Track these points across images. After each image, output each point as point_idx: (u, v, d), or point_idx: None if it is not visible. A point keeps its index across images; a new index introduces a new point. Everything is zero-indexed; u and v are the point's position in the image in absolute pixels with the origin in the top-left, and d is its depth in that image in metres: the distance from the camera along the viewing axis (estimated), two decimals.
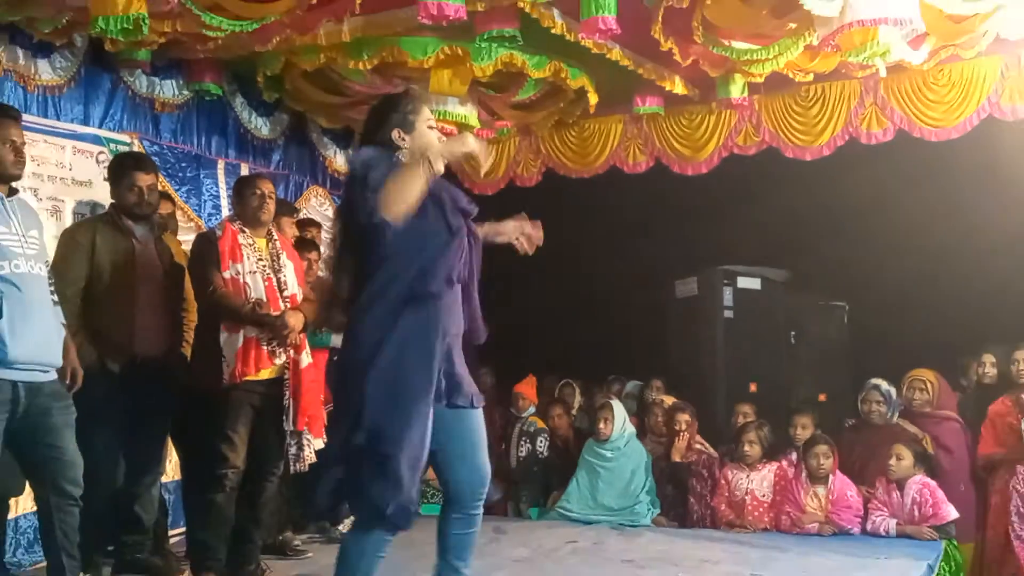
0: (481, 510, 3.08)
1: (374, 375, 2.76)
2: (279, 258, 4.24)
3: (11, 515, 4.29)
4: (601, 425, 5.69)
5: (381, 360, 2.77)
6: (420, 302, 2.81)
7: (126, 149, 5.35)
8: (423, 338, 2.81)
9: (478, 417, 3.06)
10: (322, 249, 4.97)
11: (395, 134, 2.96)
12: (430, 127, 3.01)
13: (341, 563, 2.89)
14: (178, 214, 5.64)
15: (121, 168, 4.22)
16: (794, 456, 5.40)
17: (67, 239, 4.12)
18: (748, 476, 5.40)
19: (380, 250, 2.79)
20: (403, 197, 2.73)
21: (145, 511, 4.44)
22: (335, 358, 3.05)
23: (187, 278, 4.35)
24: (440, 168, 2.84)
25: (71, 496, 3.61)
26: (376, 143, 3.00)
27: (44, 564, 3.79)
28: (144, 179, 4.18)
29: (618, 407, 5.81)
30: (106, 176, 4.31)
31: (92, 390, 3.81)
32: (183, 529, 4.76)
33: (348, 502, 2.93)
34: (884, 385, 5.59)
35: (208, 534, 4.03)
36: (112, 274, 4.04)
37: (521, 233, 3.23)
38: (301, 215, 6.39)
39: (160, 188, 5.47)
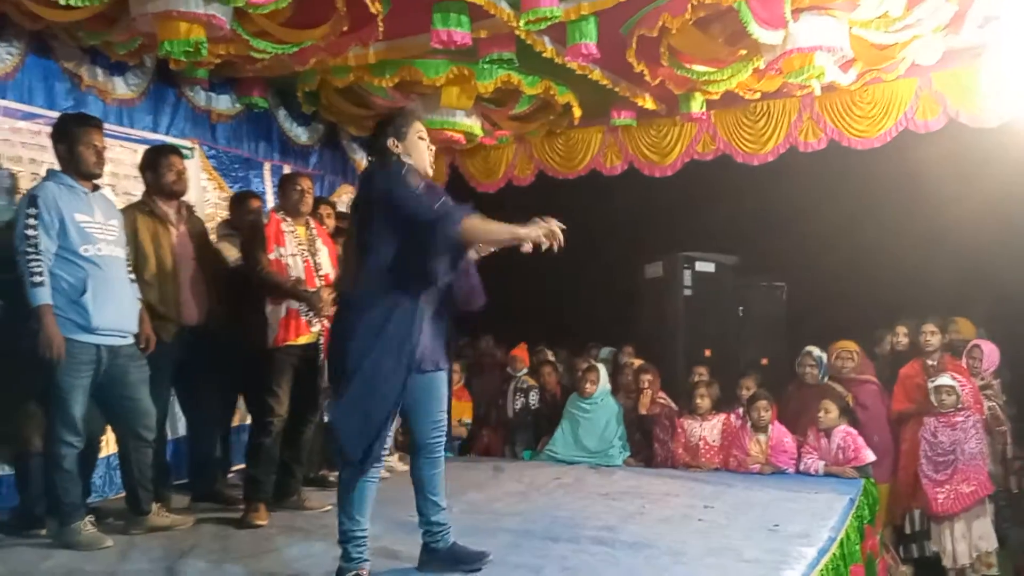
0: (443, 453, 3.12)
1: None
2: (316, 243, 4.24)
3: (104, 454, 4.31)
4: (587, 385, 5.70)
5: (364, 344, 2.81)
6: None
7: (189, 153, 5.34)
8: (398, 325, 2.81)
9: (442, 379, 3.08)
10: None
11: (390, 142, 2.98)
12: (420, 138, 3.00)
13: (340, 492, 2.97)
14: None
15: (159, 154, 4.14)
16: (741, 411, 5.43)
17: None
18: (701, 425, 5.43)
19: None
20: (483, 238, 2.83)
21: (211, 451, 4.48)
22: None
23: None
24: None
25: (145, 439, 3.65)
26: (376, 150, 3.05)
27: (124, 495, 3.85)
28: (179, 163, 4.13)
29: (602, 369, 5.82)
30: (142, 165, 4.17)
31: (149, 356, 3.80)
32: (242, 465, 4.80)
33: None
34: (816, 351, 5.62)
35: (258, 471, 4.05)
36: (154, 256, 3.98)
37: (548, 234, 2.87)
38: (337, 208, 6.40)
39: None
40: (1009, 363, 5.57)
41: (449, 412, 3.24)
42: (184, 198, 4.27)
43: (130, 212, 4.00)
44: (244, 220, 4.65)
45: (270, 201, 6.01)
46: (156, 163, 4.10)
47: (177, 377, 4.14)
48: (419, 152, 2.99)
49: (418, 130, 3.01)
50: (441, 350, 3.05)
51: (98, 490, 4.52)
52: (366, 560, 2.96)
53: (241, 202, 4.87)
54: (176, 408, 4.53)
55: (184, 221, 4.19)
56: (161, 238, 4.02)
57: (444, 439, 3.11)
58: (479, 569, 3.06)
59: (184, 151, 4.58)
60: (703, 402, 5.43)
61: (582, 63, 5.14)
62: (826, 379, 5.59)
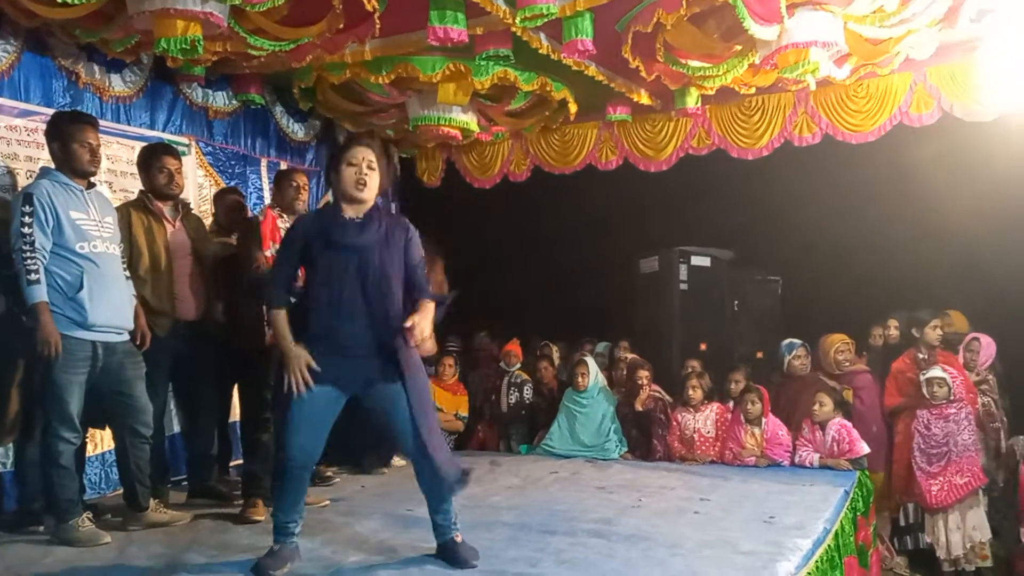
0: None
1: None
2: None
3: (99, 450, 4.28)
4: (579, 379, 5.70)
5: None
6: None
7: (185, 150, 5.31)
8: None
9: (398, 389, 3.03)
10: None
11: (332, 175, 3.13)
12: (349, 164, 3.04)
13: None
14: None
15: (152, 155, 4.09)
16: (732, 404, 5.42)
17: None
18: (694, 417, 5.41)
19: None
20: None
21: (207, 447, 4.45)
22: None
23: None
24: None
25: (142, 436, 3.63)
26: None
27: (121, 491, 3.82)
28: (172, 163, 4.07)
29: (592, 363, 5.80)
30: (136, 164, 4.18)
31: (145, 351, 3.77)
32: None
33: None
34: (799, 342, 5.60)
35: (255, 467, 4.02)
36: (149, 252, 3.96)
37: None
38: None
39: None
40: (1001, 356, 5.57)
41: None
42: (182, 195, 4.24)
43: (125, 208, 3.99)
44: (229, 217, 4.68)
45: (267, 198, 5.99)
46: (148, 164, 4.07)
47: (174, 373, 4.12)
48: (343, 180, 3.05)
49: (347, 158, 3.05)
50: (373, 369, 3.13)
51: (95, 487, 4.51)
52: None
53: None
54: (171, 404, 4.50)
55: (181, 218, 4.17)
56: (155, 233, 4.00)
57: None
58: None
59: (180, 148, 4.55)
60: (695, 393, 5.42)
61: (578, 59, 5.11)
62: (808, 369, 5.57)
